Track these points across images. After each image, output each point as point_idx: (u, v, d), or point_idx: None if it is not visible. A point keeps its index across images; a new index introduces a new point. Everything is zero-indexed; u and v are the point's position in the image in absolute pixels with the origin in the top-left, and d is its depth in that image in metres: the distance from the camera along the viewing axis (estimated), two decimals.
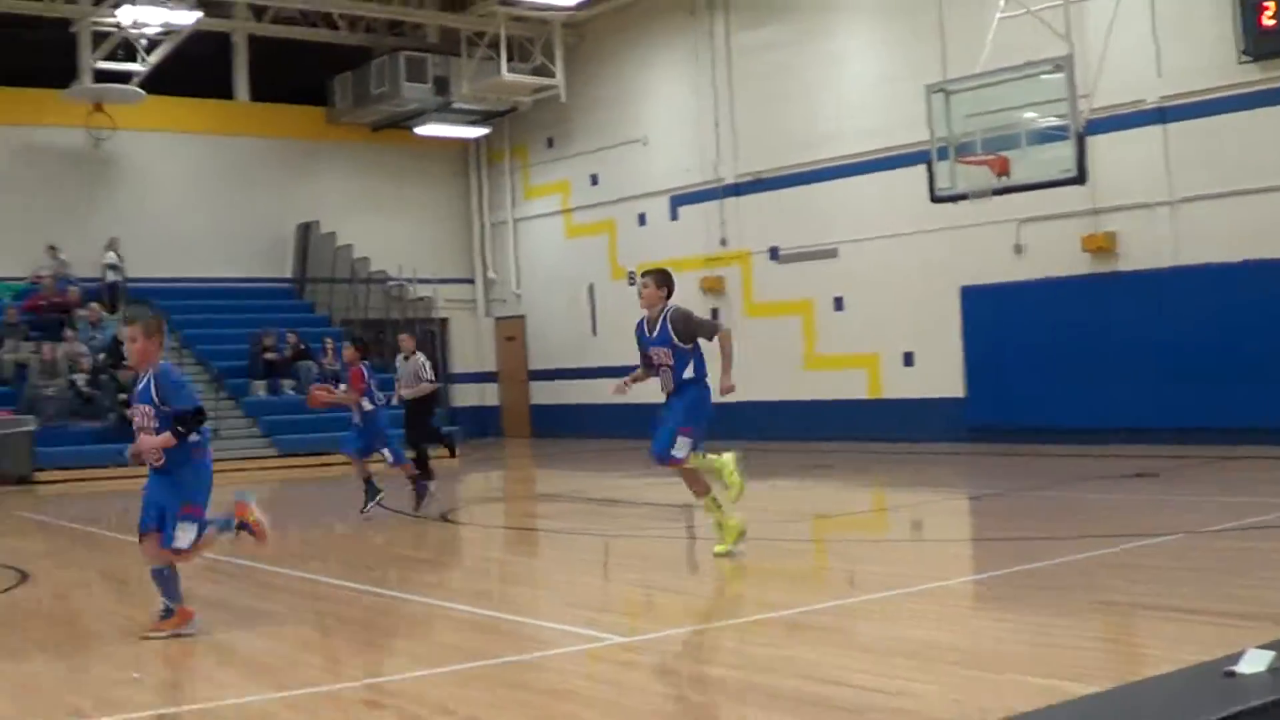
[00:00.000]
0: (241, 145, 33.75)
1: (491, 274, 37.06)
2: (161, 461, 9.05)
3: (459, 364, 36.74)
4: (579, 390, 33.56)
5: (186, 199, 32.87)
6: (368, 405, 17.23)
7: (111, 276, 30.90)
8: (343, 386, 17.90)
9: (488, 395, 37.31)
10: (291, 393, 28.06)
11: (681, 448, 11.80)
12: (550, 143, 35.11)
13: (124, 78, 30.15)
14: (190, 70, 31.22)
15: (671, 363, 11.84)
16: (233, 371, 29.70)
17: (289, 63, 34.12)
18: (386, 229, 34.93)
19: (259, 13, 32.66)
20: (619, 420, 31.81)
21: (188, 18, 28.37)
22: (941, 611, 9.50)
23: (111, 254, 30.93)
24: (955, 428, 25.10)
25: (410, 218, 36.00)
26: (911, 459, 23.21)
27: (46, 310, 29.05)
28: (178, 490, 9.07)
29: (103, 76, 30.07)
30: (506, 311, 36.82)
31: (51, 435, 25.78)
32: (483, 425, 36.22)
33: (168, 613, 9.20)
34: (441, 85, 32.89)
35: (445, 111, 33.81)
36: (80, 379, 27.11)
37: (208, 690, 7.85)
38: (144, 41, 29.55)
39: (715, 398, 12.01)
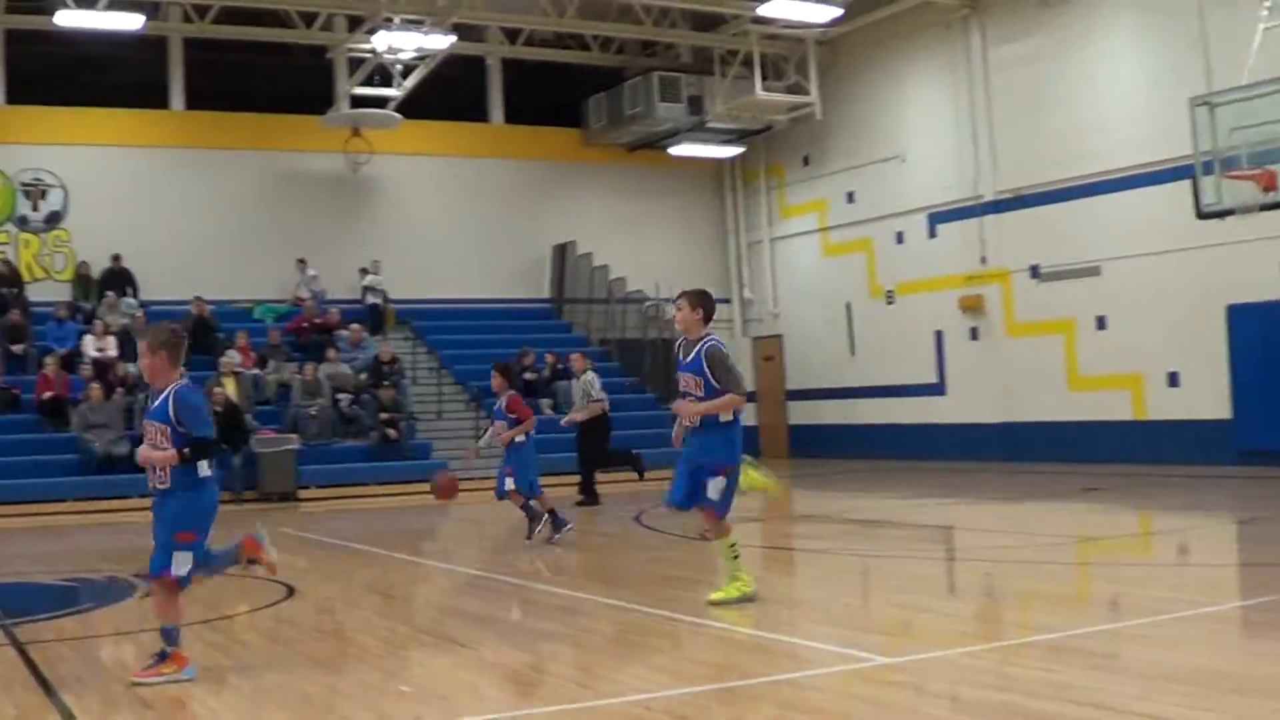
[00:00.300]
0: (497, 167, 34.22)
1: (748, 294, 36.99)
2: (166, 484, 8.76)
3: None
4: (837, 410, 33.36)
5: (443, 221, 33.52)
6: (520, 438, 16.30)
7: (371, 299, 31.63)
8: (490, 429, 17.08)
9: (746, 415, 37.19)
10: (550, 412, 28.19)
11: (714, 490, 11.68)
12: (806, 161, 34.91)
13: (380, 103, 30.81)
14: (445, 94, 31.85)
15: (700, 394, 11.40)
16: (492, 391, 30.01)
17: (543, 84, 34.66)
18: (642, 249, 35.08)
19: (512, 36, 33.11)
20: (879, 440, 31.75)
21: (442, 43, 28.91)
22: (1213, 637, 9.27)
23: (372, 276, 31.67)
24: (1222, 450, 24.32)
25: (665, 237, 36.09)
26: (1178, 481, 22.63)
27: (308, 331, 29.80)
28: (174, 520, 8.75)
29: (359, 102, 30.78)
30: (763, 331, 36.72)
31: (314, 454, 26.45)
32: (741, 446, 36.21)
33: (161, 656, 8.77)
34: (695, 105, 32.97)
35: (699, 131, 33.89)
36: (343, 399, 27.77)
37: (473, 704, 7.94)
38: (399, 67, 30.12)
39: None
